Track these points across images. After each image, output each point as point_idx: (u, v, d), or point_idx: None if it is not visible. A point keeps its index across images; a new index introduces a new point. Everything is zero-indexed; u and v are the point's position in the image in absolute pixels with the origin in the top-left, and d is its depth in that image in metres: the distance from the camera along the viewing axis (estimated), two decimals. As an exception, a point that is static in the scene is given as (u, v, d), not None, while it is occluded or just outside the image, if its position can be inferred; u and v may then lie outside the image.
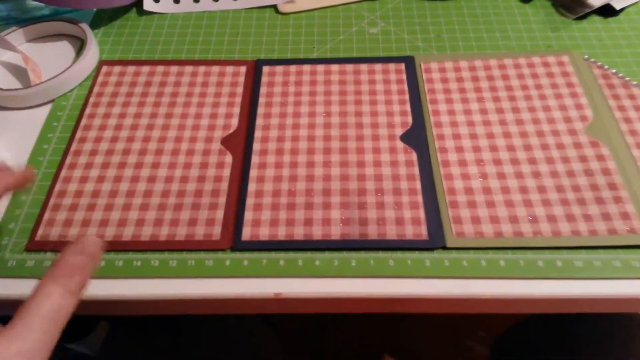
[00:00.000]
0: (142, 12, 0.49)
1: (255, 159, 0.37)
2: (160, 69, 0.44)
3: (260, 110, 0.40)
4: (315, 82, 0.42)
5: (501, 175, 0.36)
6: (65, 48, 0.47)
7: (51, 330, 0.22)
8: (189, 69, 0.43)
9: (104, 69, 0.44)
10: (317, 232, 0.34)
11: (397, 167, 0.37)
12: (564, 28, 0.46)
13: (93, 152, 0.38)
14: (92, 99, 0.42)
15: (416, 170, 0.36)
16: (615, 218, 0.33)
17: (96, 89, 0.42)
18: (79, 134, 0.39)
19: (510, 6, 0.48)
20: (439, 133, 0.38)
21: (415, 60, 0.43)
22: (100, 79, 0.43)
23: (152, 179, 0.37)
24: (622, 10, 0.47)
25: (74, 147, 0.38)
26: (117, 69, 0.44)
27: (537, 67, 0.42)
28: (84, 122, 0.40)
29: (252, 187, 0.36)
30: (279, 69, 0.43)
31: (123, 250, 0.33)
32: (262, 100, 0.41)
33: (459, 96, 0.41)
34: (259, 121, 0.40)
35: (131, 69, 0.44)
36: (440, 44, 0.45)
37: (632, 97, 0.39)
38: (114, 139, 0.39)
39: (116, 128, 0.40)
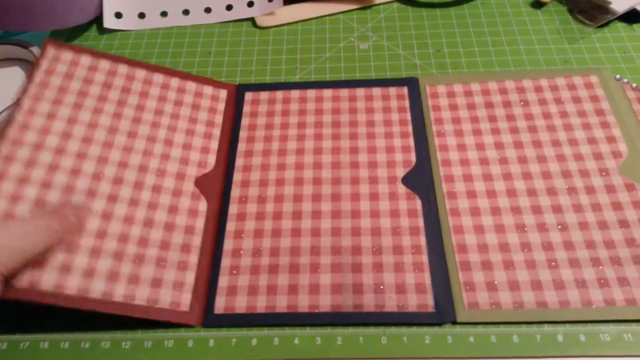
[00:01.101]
0: (103, 30, 0.44)
1: (233, 209, 0.32)
2: (123, 69, 0.36)
3: (242, 147, 0.35)
4: (305, 112, 0.37)
5: (521, 228, 0.30)
6: (16, 74, 0.41)
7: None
8: (158, 78, 0.37)
9: (50, 52, 0.34)
10: (303, 303, 0.28)
11: (398, 217, 0.31)
12: (583, 39, 0.40)
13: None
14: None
15: (420, 222, 0.31)
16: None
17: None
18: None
19: (519, 12, 0.42)
20: (447, 174, 0.33)
21: (420, 83, 0.37)
22: (44, 64, 0.34)
23: (107, 216, 0.30)
24: (649, 15, 0.41)
25: None
26: (67, 55, 0.35)
27: (561, 91, 0.36)
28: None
29: (228, 244, 0.31)
30: (264, 95, 0.38)
31: (65, 306, 0.26)
32: (243, 134, 0.36)
33: (471, 127, 0.35)
34: (239, 161, 0.34)
35: (85, 60, 0.35)
36: (441, 60, 0.39)
37: None
38: (54, 165, 0.31)
39: (64, 136, 0.32)
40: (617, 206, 0.30)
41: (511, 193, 0.32)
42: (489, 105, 0.36)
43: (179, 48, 0.42)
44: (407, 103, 0.36)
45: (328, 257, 0.30)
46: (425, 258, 0.30)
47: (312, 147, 0.35)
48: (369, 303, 0.28)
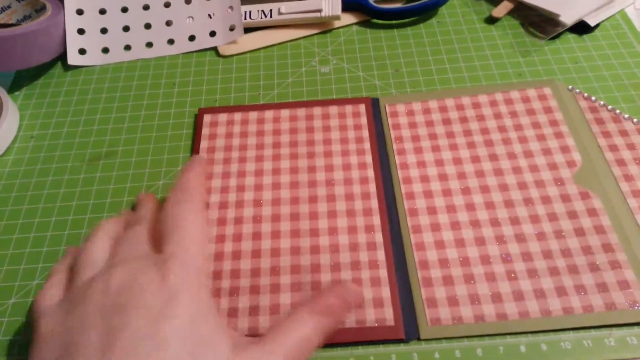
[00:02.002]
0: (68, 66, 0.44)
1: None
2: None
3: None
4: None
5: (480, 241, 0.31)
6: (-19, 115, 0.41)
7: (294, 357, 0.22)
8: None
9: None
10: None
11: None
12: (536, 51, 0.41)
13: None
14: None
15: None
16: (613, 288, 0.28)
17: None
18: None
19: (474, 29, 0.43)
20: (409, 191, 0.34)
21: (380, 103, 0.38)
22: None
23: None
24: (597, 26, 0.42)
25: None
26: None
27: (516, 104, 0.37)
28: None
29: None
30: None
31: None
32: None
33: (430, 144, 0.35)
34: None
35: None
36: (399, 80, 0.40)
37: (624, 133, 0.35)
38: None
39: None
40: (572, 215, 0.31)
41: (470, 207, 0.32)
42: (446, 121, 0.37)
43: (143, 80, 0.42)
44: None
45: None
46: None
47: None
48: None
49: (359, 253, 0.31)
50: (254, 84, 0.41)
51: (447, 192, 0.33)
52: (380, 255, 0.31)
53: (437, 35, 0.43)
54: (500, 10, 0.43)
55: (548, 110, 0.36)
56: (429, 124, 0.37)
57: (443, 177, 0.34)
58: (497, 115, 0.36)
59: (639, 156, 0.33)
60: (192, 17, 0.45)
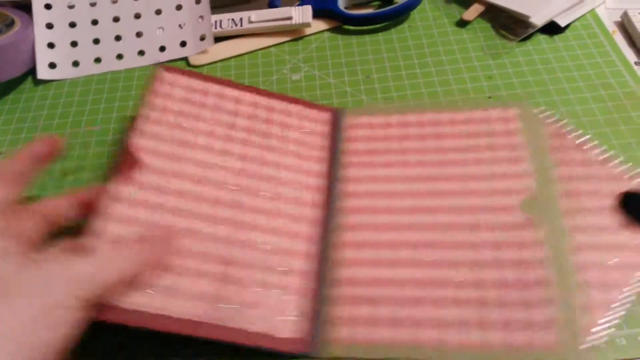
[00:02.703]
0: (38, 81, 0.44)
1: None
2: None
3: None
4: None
5: (415, 263, 0.30)
6: (-49, 133, 0.41)
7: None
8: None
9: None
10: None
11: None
12: (507, 53, 0.41)
13: None
14: None
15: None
16: (526, 328, 0.27)
17: None
18: None
19: (445, 33, 0.43)
20: (349, 205, 0.33)
21: (343, 114, 0.37)
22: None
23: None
24: (568, 26, 0.42)
25: None
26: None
27: (478, 124, 0.35)
28: None
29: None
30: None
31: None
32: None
33: (383, 159, 0.35)
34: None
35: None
36: (370, 87, 0.40)
37: (585, 163, 0.33)
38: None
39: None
40: (511, 245, 0.30)
41: (414, 227, 0.31)
42: (404, 138, 0.35)
43: (113, 93, 0.42)
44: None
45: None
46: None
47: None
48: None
49: (290, 260, 0.30)
50: (225, 94, 0.41)
51: (391, 210, 0.32)
52: (307, 265, 0.30)
53: (408, 40, 0.43)
54: (471, 13, 0.43)
55: (510, 133, 0.34)
56: (387, 138, 0.36)
57: (390, 195, 0.33)
58: (456, 135, 0.35)
59: (594, 189, 0.32)
60: (162, 28, 0.45)
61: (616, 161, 0.33)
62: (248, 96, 0.36)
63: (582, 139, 0.34)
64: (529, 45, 0.41)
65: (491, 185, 0.32)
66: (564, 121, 0.35)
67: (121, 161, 0.31)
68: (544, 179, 0.32)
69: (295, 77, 0.42)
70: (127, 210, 0.29)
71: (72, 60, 0.44)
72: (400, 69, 0.41)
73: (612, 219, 0.31)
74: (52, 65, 0.44)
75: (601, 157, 0.33)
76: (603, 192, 0.32)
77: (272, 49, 0.44)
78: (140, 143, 0.32)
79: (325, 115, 0.37)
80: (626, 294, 0.28)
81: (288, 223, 0.32)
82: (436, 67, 0.41)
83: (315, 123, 0.37)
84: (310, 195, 0.33)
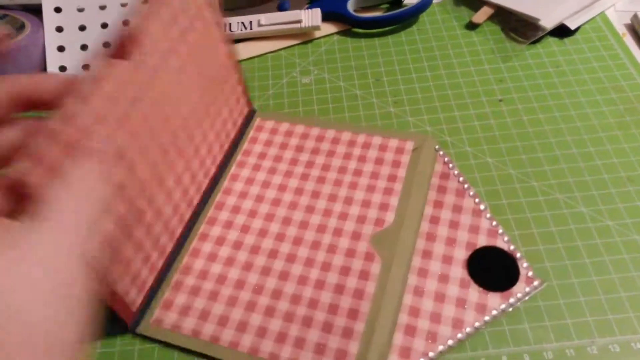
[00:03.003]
0: (48, 84, 0.44)
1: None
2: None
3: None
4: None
5: (247, 266, 0.31)
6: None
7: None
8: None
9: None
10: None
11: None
12: (516, 56, 0.41)
13: None
14: None
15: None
16: (329, 355, 0.27)
17: None
18: None
19: (454, 35, 0.43)
20: (221, 201, 0.35)
21: (254, 117, 0.39)
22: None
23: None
24: (578, 29, 0.42)
25: None
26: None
27: (371, 149, 0.36)
28: None
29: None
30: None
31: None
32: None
33: (270, 165, 0.36)
34: None
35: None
36: (380, 89, 0.40)
37: (457, 209, 0.32)
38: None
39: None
40: (344, 271, 0.30)
41: (262, 233, 0.33)
42: (299, 149, 0.37)
43: (124, 96, 0.42)
44: (229, 126, 0.37)
45: None
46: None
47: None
48: None
49: (162, 234, 0.30)
50: (235, 97, 0.41)
51: (256, 214, 0.34)
52: (169, 247, 0.31)
53: (417, 43, 0.43)
54: (480, 16, 0.43)
55: (396, 164, 0.35)
56: (283, 146, 0.37)
57: (259, 199, 0.34)
58: (346, 156, 0.36)
59: (453, 238, 0.31)
60: (172, 31, 0.45)
61: (488, 214, 0.32)
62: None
63: (466, 185, 0.33)
64: (539, 48, 0.41)
65: (354, 211, 0.33)
66: (453, 165, 0.34)
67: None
68: (407, 216, 0.32)
69: (305, 80, 0.42)
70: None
71: (82, 64, 0.44)
72: (411, 72, 0.41)
73: (456, 271, 0.30)
74: (62, 69, 0.44)
75: (477, 207, 0.32)
76: (460, 242, 0.31)
77: (282, 52, 0.44)
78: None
79: (239, 120, 0.38)
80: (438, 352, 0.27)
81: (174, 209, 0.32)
82: (446, 70, 0.41)
83: (231, 125, 0.37)
84: (195, 187, 0.33)
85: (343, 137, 0.37)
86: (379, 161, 0.35)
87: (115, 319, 0.28)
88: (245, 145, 0.37)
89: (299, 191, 0.34)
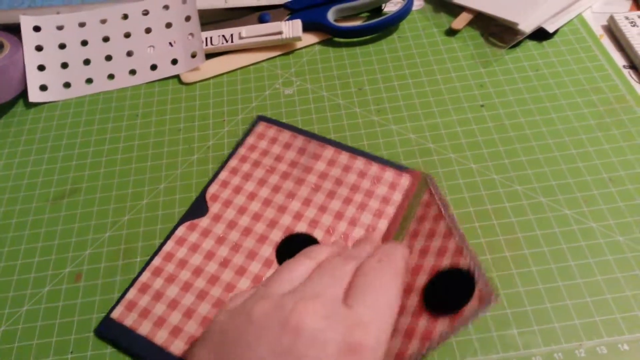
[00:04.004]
0: (30, 104, 0.44)
1: None
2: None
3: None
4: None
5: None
6: (-58, 159, 0.41)
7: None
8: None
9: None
10: None
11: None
12: (496, 61, 0.41)
13: None
14: None
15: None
16: None
17: None
18: None
19: (435, 42, 0.44)
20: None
21: (258, 121, 0.39)
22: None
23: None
24: (556, 32, 0.42)
25: None
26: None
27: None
28: None
29: None
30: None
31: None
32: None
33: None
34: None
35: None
36: (363, 98, 0.40)
37: (430, 234, 0.30)
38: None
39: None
40: None
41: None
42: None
43: (106, 113, 0.42)
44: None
45: None
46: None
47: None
48: None
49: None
50: (218, 110, 0.41)
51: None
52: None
53: (398, 51, 0.43)
54: (459, 22, 0.44)
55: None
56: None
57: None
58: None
59: (419, 263, 0.29)
60: (153, 46, 0.45)
61: (456, 238, 0.29)
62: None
63: (443, 208, 0.31)
64: (518, 52, 0.42)
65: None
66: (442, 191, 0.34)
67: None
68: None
69: (287, 91, 0.42)
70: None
71: (63, 82, 0.44)
72: (392, 80, 0.41)
73: (414, 299, 0.27)
74: (43, 88, 0.44)
75: (449, 229, 0.30)
76: (425, 267, 0.29)
77: (264, 64, 0.44)
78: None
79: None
80: None
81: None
82: (428, 76, 0.41)
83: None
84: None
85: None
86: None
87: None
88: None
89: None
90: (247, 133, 0.38)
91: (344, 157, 0.36)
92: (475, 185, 0.34)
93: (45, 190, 0.38)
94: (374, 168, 0.35)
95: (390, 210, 0.33)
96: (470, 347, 0.28)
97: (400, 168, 0.35)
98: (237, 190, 0.35)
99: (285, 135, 0.38)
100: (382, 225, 0.32)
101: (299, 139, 0.37)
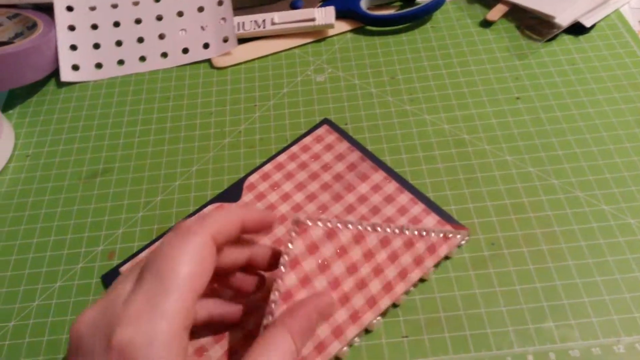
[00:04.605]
0: (61, 83, 0.44)
1: None
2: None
3: None
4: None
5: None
6: (-25, 135, 0.41)
7: None
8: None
9: (321, 131, 0.37)
10: None
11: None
12: (532, 54, 0.41)
13: None
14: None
15: None
16: None
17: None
18: None
19: (469, 33, 0.43)
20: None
21: (322, 123, 0.38)
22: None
23: None
24: (593, 26, 0.42)
25: None
26: (329, 138, 0.37)
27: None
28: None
29: None
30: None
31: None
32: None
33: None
34: None
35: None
36: (396, 88, 0.40)
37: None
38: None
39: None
40: None
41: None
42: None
43: (137, 95, 0.42)
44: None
45: None
46: None
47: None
48: None
49: None
50: (250, 95, 0.41)
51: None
52: None
53: (432, 41, 0.43)
54: (494, 14, 0.43)
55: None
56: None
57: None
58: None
59: None
60: (184, 30, 0.44)
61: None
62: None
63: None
64: (554, 45, 0.41)
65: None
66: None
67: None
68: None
69: (319, 78, 0.42)
70: None
71: (95, 63, 0.44)
72: (426, 70, 0.41)
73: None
74: (75, 68, 0.44)
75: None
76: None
77: (295, 50, 0.44)
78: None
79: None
80: None
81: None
82: (462, 67, 0.41)
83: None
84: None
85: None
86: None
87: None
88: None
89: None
90: (307, 132, 0.37)
91: (390, 187, 0.34)
92: (510, 178, 0.34)
93: (77, 169, 0.38)
94: (417, 208, 0.33)
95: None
96: (506, 339, 0.28)
97: (443, 215, 0.32)
98: (275, 186, 0.35)
99: (342, 146, 0.36)
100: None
101: (354, 154, 0.36)
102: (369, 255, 0.29)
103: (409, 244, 0.30)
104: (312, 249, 0.27)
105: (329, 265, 0.27)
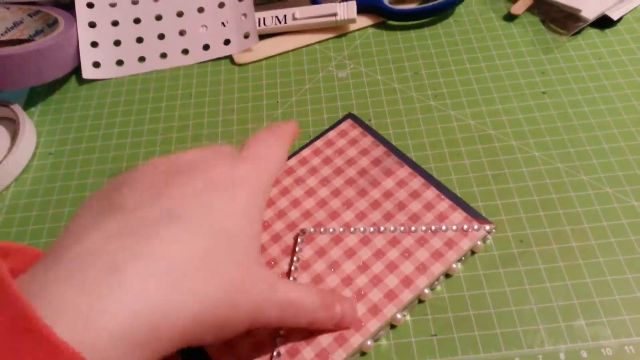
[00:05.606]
0: (83, 80, 0.44)
1: None
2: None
3: None
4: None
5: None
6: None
7: None
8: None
9: (345, 125, 0.37)
10: None
11: None
12: (558, 48, 0.40)
13: None
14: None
15: None
16: None
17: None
18: None
19: (493, 27, 0.43)
20: None
21: (347, 117, 0.37)
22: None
23: None
24: (620, 19, 0.41)
25: None
26: (354, 132, 0.36)
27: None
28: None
29: None
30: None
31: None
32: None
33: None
34: None
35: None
36: (419, 83, 0.40)
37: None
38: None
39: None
40: None
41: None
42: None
43: (159, 92, 0.42)
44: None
45: None
46: None
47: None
48: None
49: None
50: (272, 92, 0.41)
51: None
52: None
53: (455, 35, 0.42)
54: (519, 7, 0.43)
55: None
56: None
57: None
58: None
59: None
60: (205, 26, 0.44)
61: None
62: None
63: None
64: (580, 39, 0.41)
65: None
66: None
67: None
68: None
69: (341, 74, 0.41)
70: None
71: (116, 60, 0.44)
72: (450, 65, 0.40)
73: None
74: (97, 65, 0.44)
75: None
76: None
77: (316, 46, 0.44)
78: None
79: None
80: None
81: None
82: (486, 62, 0.40)
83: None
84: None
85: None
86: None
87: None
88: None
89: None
90: (331, 126, 0.37)
91: (416, 182, 0.33)
92: (539, 174, 0.34)
93: (101, 167, 0.38)
94: (443, 204, 0.32)
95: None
96: (538, 337, 0.28)
97: (469, 211, 0.32)
98: (299, 182, 0.34)
99: (367, 141, 0.36)
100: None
101: (379, 148, 0.35)
102: (379, 254, 0.30)
103: (422, 241, 0.30)
104: (321, 253, 0.30)
105: (339, 265, 0.30)
